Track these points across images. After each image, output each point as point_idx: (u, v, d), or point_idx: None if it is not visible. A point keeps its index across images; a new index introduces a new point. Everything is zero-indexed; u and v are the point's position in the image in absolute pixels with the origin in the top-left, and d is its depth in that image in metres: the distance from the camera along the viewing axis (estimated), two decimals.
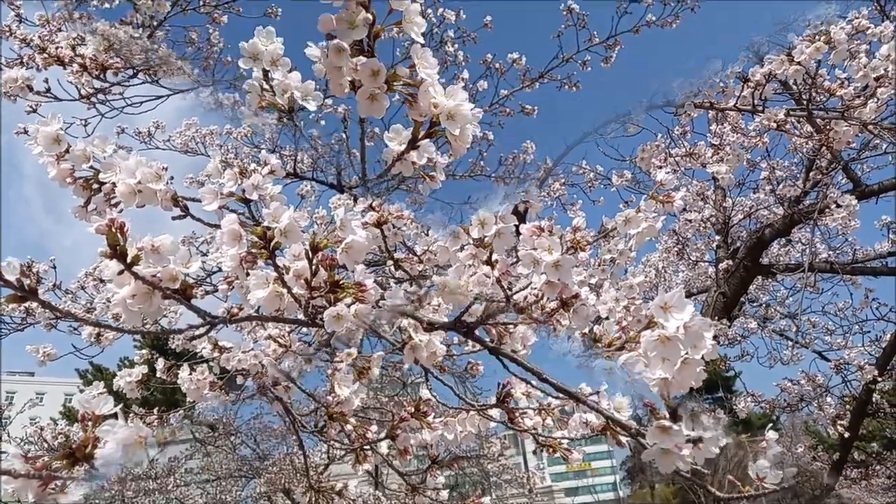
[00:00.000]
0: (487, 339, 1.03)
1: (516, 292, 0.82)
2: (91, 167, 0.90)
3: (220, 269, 1.15)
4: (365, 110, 0.77)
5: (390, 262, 1.35)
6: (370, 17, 0.71)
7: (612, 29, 3.76)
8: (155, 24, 2.93)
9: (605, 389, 1.24)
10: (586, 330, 0.97)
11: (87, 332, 2.27)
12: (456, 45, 3.83)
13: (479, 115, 0.82)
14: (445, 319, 1.19)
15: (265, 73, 0.92)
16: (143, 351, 2.14)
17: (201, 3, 3.11)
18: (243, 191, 0.92)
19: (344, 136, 2.87)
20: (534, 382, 1.08)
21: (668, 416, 0.67)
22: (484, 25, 4.07)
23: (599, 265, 1.37)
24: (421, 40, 0.75)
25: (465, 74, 3.80)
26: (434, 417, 1.29)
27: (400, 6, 0.73)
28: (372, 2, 0.72)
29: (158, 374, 1.75)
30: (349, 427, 1.14)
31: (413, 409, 1.26)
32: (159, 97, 2.42)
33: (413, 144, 0.84)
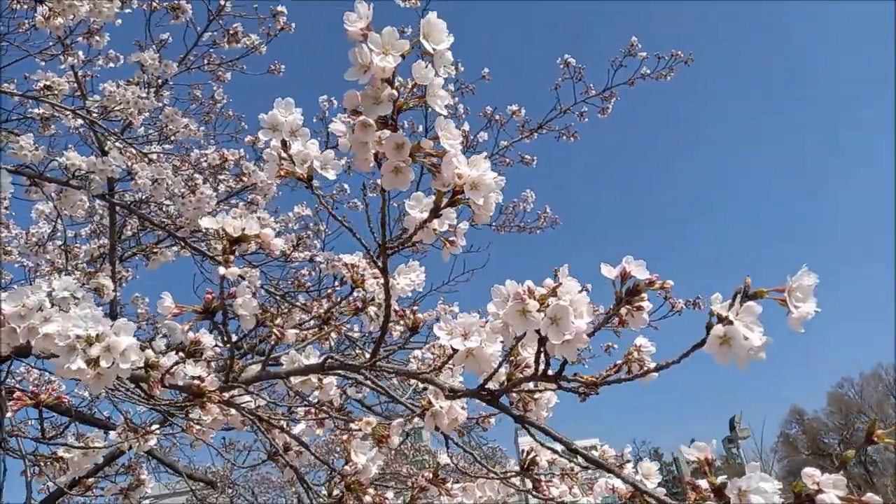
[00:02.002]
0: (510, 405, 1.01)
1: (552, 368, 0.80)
2: None
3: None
4: (389, 183, 0.76)
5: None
6: (395, 92, 0.72)
7: (608, 81, 3.84)
8: (160, 82, 2.98)
9: (629, 451, 1.21)
10: None
11: None
12: (456, 98, 3.90)
13: (502, 182, 0.82)
14: (461, 380, 1.17)
15: (284, 142, 0.92)
16: None
17: (206, 62, 3.17)
18: None
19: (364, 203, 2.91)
20: (558, 449, 1.06)
21: (712, 495, 0.65)
22: (482, 77, 4.16)
23: None
24: (445, 113, 0.76)
25: (466, 126, 3.86)
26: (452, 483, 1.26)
27: (424, 81, 0.73)
28: (395, 77, 0.73)
29: None
30: (368, 499, 1.10)
31: (431, 476, 1.22)
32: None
33: (436, 213, 0.84)
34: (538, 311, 0.74)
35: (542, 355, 0.81)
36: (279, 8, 3.05)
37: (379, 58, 0.68)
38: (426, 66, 0.73)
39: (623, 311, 0.78)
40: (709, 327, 0.67)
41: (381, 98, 0.71)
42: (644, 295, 0.76)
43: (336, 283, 2.84)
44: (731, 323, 0.63)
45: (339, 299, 1.31)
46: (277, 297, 2.81)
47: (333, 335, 1.66)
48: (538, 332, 0.76)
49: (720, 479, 0.68)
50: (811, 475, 0.59)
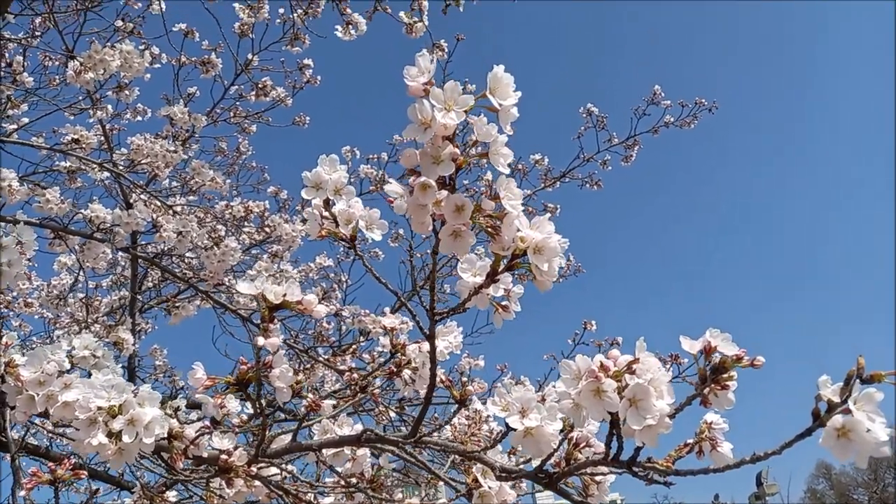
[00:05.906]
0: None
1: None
2: None
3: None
4: (448, 247, 0.70)
5: None
6: (456, 150, 0.66)
7: (632, 130, 3.82)
8: (187, 135, 2.99)
9: None
10: None
11: None
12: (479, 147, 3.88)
13: (566, 245, 0.76)
14: (500, 449, 1.07)
15: (326, 201, 0.87)
16: None
17: (232, 114, 3.19)
18: None
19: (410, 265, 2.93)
20: None
21: None
22: None
23: None
24: (507, 171, 0.70)
25: (489, 176, 3.84)
26: None
27: (487, 138, 0.68)
28: (456, 135, 0.67)
29: None
30: None
31: None
32: None
33: (493, 278, 0.77)
34: (615, 390, 0.66)
35: (615, 438, 0.72)
36: (305, 61, 3.08)
37: (441, 114, 0.63)
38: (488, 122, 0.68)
39: (706, 390, 0.70)
40: (816, 414, 0.59)
41: (441, 157, 0.65)
42: (732, 373, 0.67)
43: (360, 338, 2.76)
44: (850, 412, 0.55)
45: (375, 367, 1.23)
46: (298, 351, 2.73)
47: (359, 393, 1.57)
48: (612, 414, 0.68)
49: None
50: None
